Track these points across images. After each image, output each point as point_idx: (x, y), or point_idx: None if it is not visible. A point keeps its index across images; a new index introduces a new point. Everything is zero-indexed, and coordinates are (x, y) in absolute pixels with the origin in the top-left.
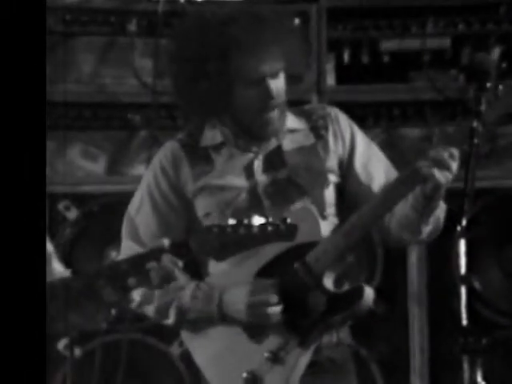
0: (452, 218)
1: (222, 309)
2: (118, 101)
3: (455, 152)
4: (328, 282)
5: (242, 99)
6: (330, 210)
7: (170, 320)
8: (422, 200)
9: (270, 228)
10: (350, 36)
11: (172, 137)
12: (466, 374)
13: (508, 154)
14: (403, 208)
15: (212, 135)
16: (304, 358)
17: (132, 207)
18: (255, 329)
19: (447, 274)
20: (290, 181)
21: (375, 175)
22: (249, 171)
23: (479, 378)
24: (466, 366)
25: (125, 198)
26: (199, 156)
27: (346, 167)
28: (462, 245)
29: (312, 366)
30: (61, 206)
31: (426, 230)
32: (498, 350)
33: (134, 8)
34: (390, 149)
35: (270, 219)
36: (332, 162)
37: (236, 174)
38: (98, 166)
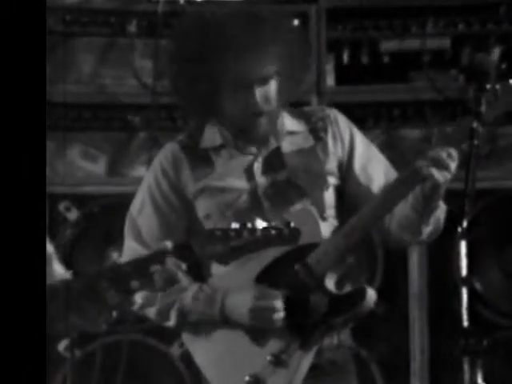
0: (452, 219)
1: (224, 312)
2: (118, 101)
3: (454, 152)
4: (329, 283)
5: (230, 103)
6: (330, 211)
7: (172, 322)
8: (421, 200)
9: (273, 232)
10: (350, 36)
11: (172, 138)
12: (467, 375)
13: (508, 155)
14: (403, 209)
15: (212, 137)
16: (306, 361)
17: (134, 208)
18: (257, 331)
19: (448, 275)
20: (289, 182)
21: (374, 176)
22: (249, 173)
23: (480, 379)
24: (466, 366)
25: (125, 199)
26: (199, 158)
27: (346, 169)
28: (463, 246)
29: (313, 368)
30: (61, 206)
31: (427, 230)
32: (498, 351)
33: (134, 9)
34: (390, 150)
35: (273, 223)
36: (331, 164)
37: (236, 175)
38: (98, 167)
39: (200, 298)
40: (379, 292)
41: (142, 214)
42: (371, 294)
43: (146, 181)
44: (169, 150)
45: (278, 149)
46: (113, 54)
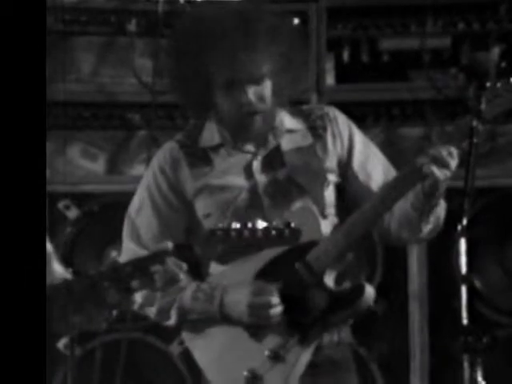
0: (452, 217)
1: (223, 310)
2: (118, 100)
3: (454, 150)
4: (329, 280)
5: (224, 101)
6: (330, 209)
7: (172, 321)
8: (422, 198)
9: (273, 232)
10: (350, 35)
11: (171, 137)
12: (466, 373)
13: (508, 153)
14: (403, 207)
15: (210, 136)
16: (304, 356)
17: (132, 208)
18: (256, 327)
19: (447, 272)
20: (289, 180)
21: (373, 174)
22: (248, 171)
23: (479, 377)
24: (466, 365)
25: (125, 198)
26: (198, 157)
27: (345, 167)
28: (463, 244)
29: (313, 366)
30: (61, 205)
31: (427, 228)
32: (498, 349)
33: (134, 8)
34: (390, 148)
35: (274, 223)
36: (331, 162)
37: (235, 174)
38: (98, 166)
39: (199, 297)
40: (379, 290)
41: (140, 215)
42: (370, 291)
43: (145, 181)
44: (167, 149)
45: (277, 147)
46: (112, 53)
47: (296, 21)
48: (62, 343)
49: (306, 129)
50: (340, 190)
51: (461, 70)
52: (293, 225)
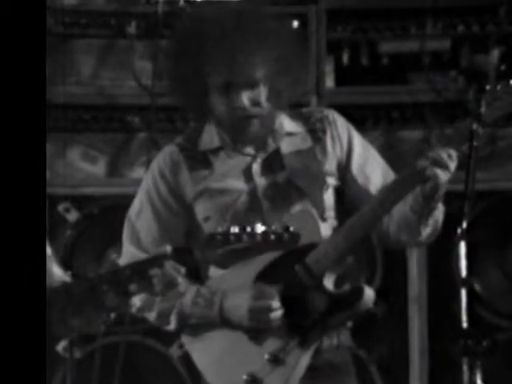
0: (452, 221)
1: (223, 314)
2: (118, 103)
3: (453, 153)
4: (328, 282)
5: (219, 105)
6: (330, 212)
7: (172, 326)
8: (421, 201)
9: (272, 236)
10: (350, 38)
11: (171, 139)
12: (466, 377)
13: (508, 157)
14: (402, 210)
15: (210, 139)
16: (304, 359)
17: (132, 212)
18: (255, 331)
19: (447, 276)
20: (289, 183)
21: (372, 177)
22: (247, 174)
23: (479, 381)
24: (465, 368)
25: (125, 201)
26: (198, 160)
27: (344, 170)
28: (463, 247)
29: (312, 370)
30: (61, 207)
31: (426, 231)
32: (498, 352)
33: (134, 10)
34: (389, 151)
35: (273, 226)
36: (331, 165)
37: (235, 177)
38: (98, 168)
39: (199, 302)
40: (378, 293)
41: (140, 218)
42: (369, 293)
43: (145, 184)
44: (167, 152)
45: (277, 150)
46: (112, 56)
47: (295, 23)
48: (61, 346)
49: (306, 132)
50: (339, 193)
51: (461, 73)
52: (292, 229)
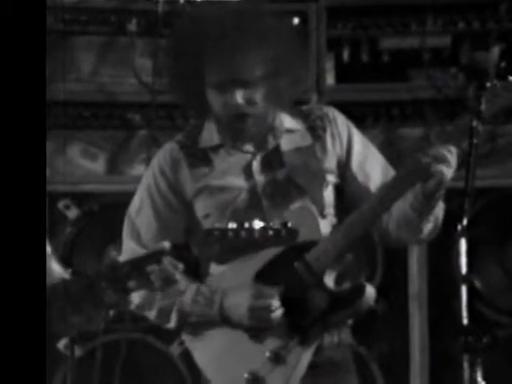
0: (453, 218)
1: (223, 313)
2: (118, 100)
3: (453, 149)
4: (329, 280)
5: (215, 102)
6: (329, 209)
7: (172, 324)
8: (421, 199)
9: (270, 232)
10: (350, 35)
11: (171, 136)
12: (466, 373)
13: (508, 154)
14: (401, 208)
15: (210, 136)
16: (305, 357)
17: (132, 209)
18: (256, 329)
19: (448, 273)
20: (289, 181)
21: (372, 174)
22: (247, 171)
23: (479, 378)
24: (466, 365)
25: (125, 198)
26: (198, 157)
27: (344, 167)
28: (463, 244)
29: (313, 367)
30: (61, 204)
31: (427, 228)
32: (498, 349)
33: (134, 8)
34: (389, 148)
35: (271, 223)
36: (330, 163)
37: (235, 174)
38: (98, 166)
39: (199, 300)
40: (379, 290)
41: (140, 215)
42: (370, 291)
43: (145, 181)
44: (167, 149)
45: (277, 147)
46: (112, 53)
47: (296, 20)
48: (62, 343)
49: (306, 129)
50: (339, 190)
51: (461, 70)
52: (290, 225)
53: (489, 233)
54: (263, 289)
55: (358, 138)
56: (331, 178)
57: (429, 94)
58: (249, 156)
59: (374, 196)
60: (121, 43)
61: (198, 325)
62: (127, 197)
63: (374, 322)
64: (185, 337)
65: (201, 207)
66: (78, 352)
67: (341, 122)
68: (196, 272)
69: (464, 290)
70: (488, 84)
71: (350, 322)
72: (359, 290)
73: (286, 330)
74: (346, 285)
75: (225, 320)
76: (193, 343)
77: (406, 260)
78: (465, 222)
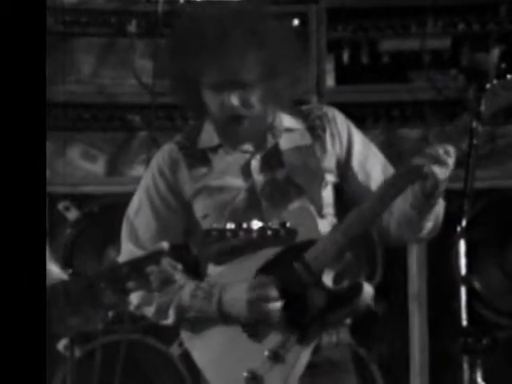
0: (452, 219)
1: (221, 307)
2: (118, 102)
3: (450, 148)
4: (327, 279)
5: (211, 103)
6: (329, 209)
7: (170, 320)
8: (421, 198)
9: (269, 232)
10: (350, 36)
11: (171, 137)
12: (466, 375)
13: (508, 155)
14: (402, 207)
15: (209, 137)
16: (304, 356)
17: (131, 210)
18: (255, 327)
19: (447, 274)
20: (288, 180)
21: (373, 174)
22: (246, 171)
23: (479, 379)
24: (465, 366)
25: (124, 199)
26: (197, 158)
27: (344, 166)
28: (462, 245)
29: (312, 367)
30: (61, 206)
31: (427, 226)
32: (498, 350)
33: (134, 9)
34: (390, 149)
35: (270, 223)
36: (330, 163)
37: (234, 174)
38: (98, 167)
39: (198, 295)
40: (378, 290)
41: (139, 216)
42: (368, 290)
43: (144, 182)
44: (166, 150)
45: (276, 146)
46: (113, 55)
47: (296, 22)
48: (61, 344)
49: (305, 129)
50: (338, 190)
51: (461, 71)
52: (288, 224)
53: (488, 234)
54: (261, 280)
55: (358, 138)
56: (330, 178)
57: (429, 95)
58: (248, 156)
59: (373, 195)
60: (121, 44)
61: (196, 323)
62: (127, 198)
63: (373, 322)
64: (183, 334)
65: (200, 208)
66: (78, 353)
67: (340, 121)
68: (195, 272)
69: (463, 291)
70: (488, 86)
71: (348, 321)
72: (357, 289)
73: (285, 329)
74: (344, 284)
75: (223, 315)
76: (191, 341)
77: (406, 260)
78: (464, 223)
